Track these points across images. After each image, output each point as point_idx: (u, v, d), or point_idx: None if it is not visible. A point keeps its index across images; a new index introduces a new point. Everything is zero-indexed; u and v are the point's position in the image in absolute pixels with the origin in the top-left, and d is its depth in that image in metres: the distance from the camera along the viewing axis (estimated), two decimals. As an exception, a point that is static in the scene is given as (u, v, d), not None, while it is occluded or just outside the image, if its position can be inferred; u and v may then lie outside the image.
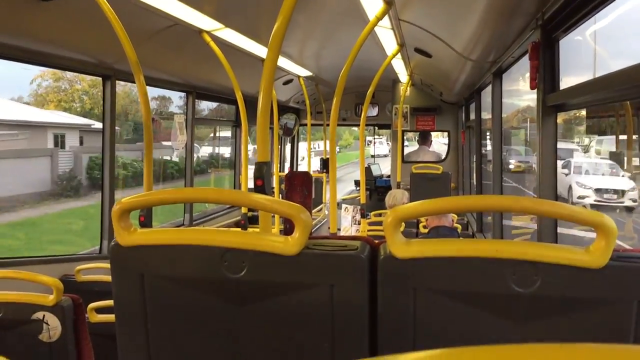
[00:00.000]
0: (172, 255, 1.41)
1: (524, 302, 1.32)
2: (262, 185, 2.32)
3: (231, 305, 1.41)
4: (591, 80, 2.12)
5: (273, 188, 9.07)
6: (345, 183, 18.70)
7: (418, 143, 9.57)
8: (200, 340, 1.46)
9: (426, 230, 4.89)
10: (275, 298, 1.41)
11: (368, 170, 10.83)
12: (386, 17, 4.42)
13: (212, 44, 4.55)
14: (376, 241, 1.44)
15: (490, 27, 3.54)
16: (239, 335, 1.43)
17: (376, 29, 4.91)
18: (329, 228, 4.85)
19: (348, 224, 7.57)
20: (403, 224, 5.22)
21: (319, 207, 9.47)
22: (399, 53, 5.84)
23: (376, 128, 12.84)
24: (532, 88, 2.85)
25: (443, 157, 9.41)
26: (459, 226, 5.79)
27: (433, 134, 9.93)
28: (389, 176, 10.84)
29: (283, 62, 6.60)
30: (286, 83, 7.83)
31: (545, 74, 2.74)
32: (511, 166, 7.07)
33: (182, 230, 1.46)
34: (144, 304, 1.44)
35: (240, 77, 5.28)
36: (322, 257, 1.37)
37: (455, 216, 6.16)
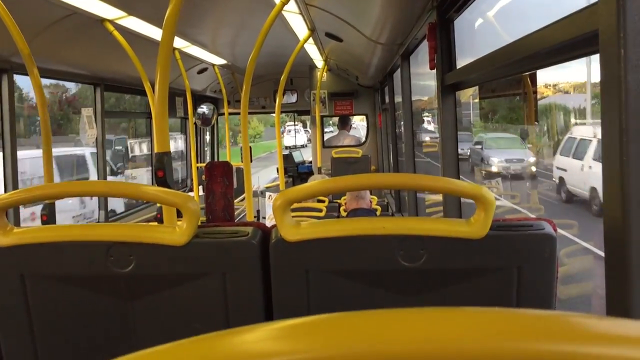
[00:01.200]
0: (55, 254, 1.36)
1: (413, 276, 1.36)
2: (163, 177, 2.27)
3: (121, 301, 1.38)
4: (481, 58, 2.20)
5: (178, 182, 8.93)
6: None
7: (338, 128, 9.66)
8: (93, 340, 1.42)
9: (345, 214, 4.96)
10: (167, 290, 1.38)
11: (290, 157, 10.84)
12: (294, 2, 4.42)
13: (116, 33, 4.40)
14: (269, 225, 1.44)
15: (393, 10, 3.61)
16: (132, 331, 1.40)
17: (287, 14, 4.90)
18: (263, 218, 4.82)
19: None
20: (324, 208, 5.25)
21: (241, 197, 9.41)
22: (311, 38, 5.85)
23: (296, 115, 12.85)
24: (431, 68, 2.93)
25: (363, 140, 9.55)
26: (379, 207, 5.90)
27: (357, 118, 10.08)
28: (310, 162, 10.90)
29: (195, 50, 6.47)
30: (201, 72, 7.69)
31: (443, 54, 2.82)
32: (424, 143, 7.31)
33: (64, 226, 1.40)
34: (28, 307, 1.38)
35: (150, 67, 5.13)
36: (211, 246, 1.35)
37: (375, 197, 6.28)
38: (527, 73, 2.07)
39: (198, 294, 1.37)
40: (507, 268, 1.35)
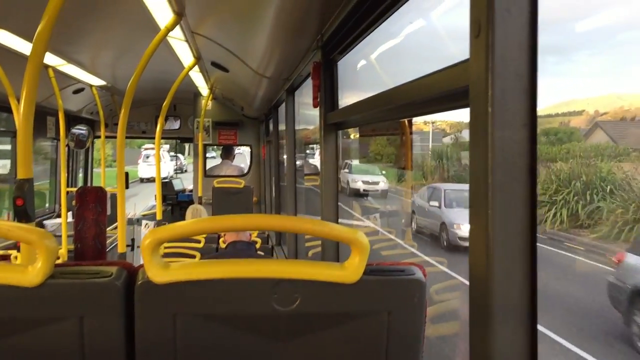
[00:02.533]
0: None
1: (286, 320, 1.33)
2: (23, 206, 2.07)
3: None
4: (362, 101, 2.25)
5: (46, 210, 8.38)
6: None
7: (221, 157, 9.54)
8: None
9: (224, 246, 4.85)
10: (18, 335, 1.25)
11: (170, 184, 10.53)
12: (180, 30, 4.33)
13: None
14: (136, 265, 1.35)
15: (279, 46, 3.64)
16: None
17: (172, 40, 4.78)
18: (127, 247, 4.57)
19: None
20: (202, 239, 5.10)
21: (114, 225, 8.96)
22: (197, 66, 5.76)
23: (179, 142, 12.56)
24: (314, 106, 2.97)
25: (246, 171, 9.49)
26: (259, 240, 5.84)
27: (244, 148, 10.03)
28: (191, 190, 10.65)
29: (72, 69, 6.13)
30: (77, 92, 7.29)
31: (326, 94, 2.87)
32: (306, 176, 7.45)
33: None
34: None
35: (20, 83, 4.78)
36: (68, 287, 1.24)
37: (256, 230, 6.22)
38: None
39: (52, 340, 1.25)
40: (379, 312, 1.36)
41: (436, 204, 12.44)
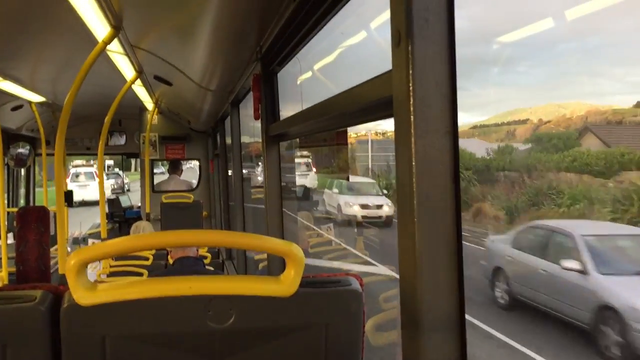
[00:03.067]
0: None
1: (221, 337, 1.30)
2: None
3: None
4: (301, 112, 2.25)
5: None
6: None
7: (168, 172, 9.39)
8: None
9: (172, 262, 4.76)
10: None
11: (117, 201, 10.30)
12: (119, 43, 4.25)
13: None
14: (61, 287, 1.30)
15: (220, 59, 3.61)
16: None
17: (112, 54, 4.68)
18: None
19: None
20: (150, 256, 4.99)
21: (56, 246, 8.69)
22: (140, 80, 5.66)
23: (125, 157, 12.31)
24: (255, 118, 2.95)
25: (195, 185, 9.37)
26: (209, 255, 5.76)
27: (195, 162, 9.92)
28: (139, 207, 10.44)
29: (9, 85, 5.93)
30: (15, 109, 7.06)
31: (267, 105, 2.86)
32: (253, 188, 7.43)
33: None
34: None
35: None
36: None
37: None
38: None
39: None
40: (316, 325, 1.35)
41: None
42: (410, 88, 1.08)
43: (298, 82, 3.40)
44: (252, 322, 1.33)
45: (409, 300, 1.13)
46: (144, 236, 1.26)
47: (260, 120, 2.93)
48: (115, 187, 18.79)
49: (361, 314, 1.40)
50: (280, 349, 1.35)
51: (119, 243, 1.28)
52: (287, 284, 1.31)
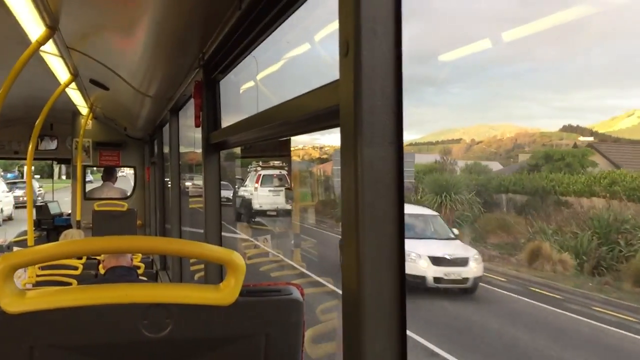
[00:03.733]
0: None
1: (158, 347, 1.26)
2: None
3: None
4: (243, 120, 2.23)
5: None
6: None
7: (102, 179, 9.11)
8: None
9: (104, 272, 4.60)
10: None
11: (45, 208, 9.90)
12: (54, 44, 4.10)
13: None
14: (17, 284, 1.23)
15: (160, 65, 3.54)
16: None
17: (46, 56, 4.51)
18: None
19: (20, 269, 6.74)
20: (80, 266, 4.81)
21: None
22: (75, 83, 5.48)
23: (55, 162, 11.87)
24: (196, 126, 2.91)
25: (129, 193, 9.13)
26: (142, 265, 5.60)
27: (127, 170, 9.66)
28: (69, 214, 10.07)
29: None
30: None
31: (208, 113, 2.82)
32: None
33: None
34: None
35: None
36: None
37: (139, 255, 5.96)
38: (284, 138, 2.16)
39: None
40: (256, 335, 1.34)
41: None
42: (358, 98, 1.08)
43: (241, 91, 3.38)
44: (190, 332, 1.30)
45: (352, 304, 1.13)
46: (78, 241, 1.21)
47: (201, 128, 2.89)
48: (17, 203, 17.02)
49: (301, 323, 1.39)
50: (219, 359, 1.33)
51: (50, 248, 1.23)
52: (226, 292, 1.29)
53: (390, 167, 1.11)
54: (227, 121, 2.90)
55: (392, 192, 1.11)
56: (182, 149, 5.15)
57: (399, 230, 1.11)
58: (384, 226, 1.10)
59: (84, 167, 8.55)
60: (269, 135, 2.14)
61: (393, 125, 1.11)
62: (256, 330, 1.34)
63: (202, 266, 5.32)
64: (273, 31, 2.02)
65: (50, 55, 4.56)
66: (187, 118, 4.87)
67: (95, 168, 11.44)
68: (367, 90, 1.09)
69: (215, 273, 2.78)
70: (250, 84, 3.55)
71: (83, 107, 7.62)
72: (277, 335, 1.35)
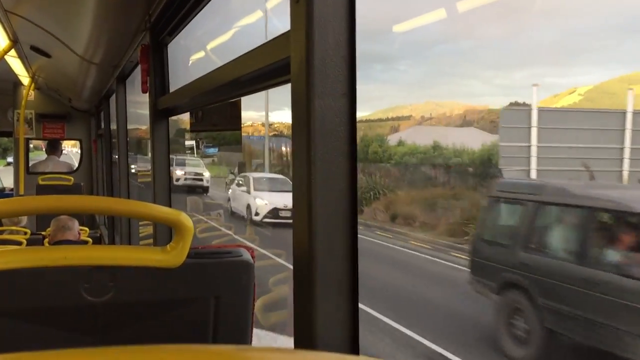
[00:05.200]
0: None
1: (101, 311, 1.21)
2: None
3: None
4: (192, 83, 2.16)
5: None
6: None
7: (46, 152, 8.79)
8: None
9: None
10: None
11: (-14, 183, 9.51)
12: (-10, 7, 3.89)
13: None
14: None
15: (105, 29, 3.40)
16: None
17: (-18, 20, 4.28)
18: None
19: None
20: (24, 241, 4.65)
21: None
22: (14, 50, 5.22)
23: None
24: (143, 91, 2.81)
25: (75, 167, 8.85)
26: (90, 240, 5.45)
27: (69, 149, 9.34)
28: (12, 189, 9.71)
29: None
30: None
31: (156, 78, 2.73)
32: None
33: None
34: None
35: None
36: None
37: (87, 229, 5.80)
38: (233, 100, 2.10)
39: None
40: (205, 297, 1.30)
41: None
42: (309, 48, 1.05)
43: (191, 56, 3.27)
44: (136, 295, 1.25)
45: (303, 268, 1.10)
46: (24, 199, 1.14)
47: (148, 93, 2.79)
48: None
49: (252, 285, 1.36)
50: (167, 322, 1.29)
51: None
52: (174, 254, 1.24)
53: (343, 119, 1.08)
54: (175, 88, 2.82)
55: (345, 145, 1.08)
56: (130, 125, 5.00)
57: (351, 181, 1.09)
58: (336, 177, 1.07)
59: (27, 140, 8.23)
60: (219, 97, 2.08)
61: (346, 76, 1.08)
62: (205, 292, 1.30)
63: (152, 240, 5.22)
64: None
65: (-13, 19, 4.33)
66: (135, 88, 4.72)
67: (39, 145, 11.04)
68: (319, 39, 1.05)
69: (165, 238, 2.71)
70: (201, 54, 3.45)
71: (24, 77, 7.30)
72: (227, 298, 1.32)
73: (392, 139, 27.09)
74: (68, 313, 1.21)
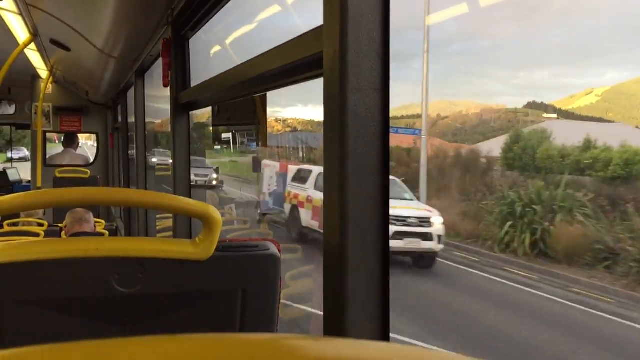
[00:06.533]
0: None
1: (131, 302, 1.22)
2: None
3: None
4: (215, 77, 2.16)
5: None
6: None
7: (63, 145, 8.86)
8: None
9: None
10: None
11: (4, 175, 9.61)
12: (13, 1, 3.92)
13: None
14: None
15: (126, 23, 3.41)
16: None
17: (5, 13, 4.32)
18: None
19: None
20: (42, 233, 4.70)
21: None
22: (34, 44, 5.27)
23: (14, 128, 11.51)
24: (165, 85, 2.82)
25: (92, 160, 8.92)
26: (106, 232, 5.49)
27: (85, 140, 9.41)
28: (29, 181, 9.81)
29: None
30: None
31: (177, 72, 2.74)
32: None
33: None
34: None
35: None
36: None
37: (103, 221, 5.84)
38: (259, 95, 2.11)
39: None
40: (232, 290, 1.31)
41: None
42: (343, 43, 1.04)
43: (213, 51, 3.28)
44: (165, 287, 1.26)
45: (335, 256, 1.10)
46: (49, 191, 1.15)
47: (169, 88, 2.80)
48: None
49: (278, 278, 1.37)
50: (194, 314, 1.30)
51: (16, 198, 1.17)
52: (203, 247, 1.25)
53: (376, 115, 1.07)
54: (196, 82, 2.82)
55: (377, 141, 1.08)
56: (147, 119, 5.02)
57: (383, 177, 1.09)
58: (368, 172, 1.07)
59: (44, 133, 8.31)
60: (243, 91, 2.08)
61: (379, 71, 1.07)
62: (233, 285, 1.31)
63: (169, 234, 5.24)
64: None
65: (9, 12, 4.36)
66: (153, 81, 4.73)
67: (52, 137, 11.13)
68: (353, 34, 1.05)
69: (184, 231, 2.73)
70: (223, 42, 3.45)
71: (43, 70, 7.36)
72: (254, 290, 1.32)
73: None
74: (98, 304, 1.22)
